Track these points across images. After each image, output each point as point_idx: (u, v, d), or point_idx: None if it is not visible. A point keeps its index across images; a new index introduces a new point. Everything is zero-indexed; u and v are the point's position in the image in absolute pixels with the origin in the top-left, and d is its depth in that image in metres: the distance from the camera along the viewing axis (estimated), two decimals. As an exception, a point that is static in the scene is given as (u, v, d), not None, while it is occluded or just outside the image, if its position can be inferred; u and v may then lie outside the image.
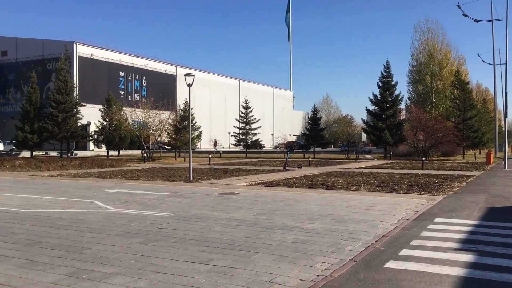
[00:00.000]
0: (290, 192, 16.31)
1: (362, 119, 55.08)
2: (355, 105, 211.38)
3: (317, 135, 51.36)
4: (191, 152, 22.53)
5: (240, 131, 56.67)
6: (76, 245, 8.09)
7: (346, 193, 15.85)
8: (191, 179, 20.98)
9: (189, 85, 20.83)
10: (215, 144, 59.34)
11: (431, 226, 9.80)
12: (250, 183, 19.53)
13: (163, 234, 9.06)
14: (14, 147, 49.82)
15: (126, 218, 10.78)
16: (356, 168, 29.84)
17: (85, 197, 14.56)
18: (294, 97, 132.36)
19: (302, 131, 70.32)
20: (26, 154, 46.75)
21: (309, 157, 42.06)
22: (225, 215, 11.33)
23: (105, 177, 22.67)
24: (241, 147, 59.04)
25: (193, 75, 20.89)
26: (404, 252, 7.59)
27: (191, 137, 24.26)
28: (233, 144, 61.84)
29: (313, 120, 52.67)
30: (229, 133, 71.25)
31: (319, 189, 17.16)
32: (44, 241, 8.38)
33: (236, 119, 59.10)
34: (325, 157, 47.52)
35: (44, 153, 50.95)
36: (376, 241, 8.38)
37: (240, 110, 59.80)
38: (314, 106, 55.27)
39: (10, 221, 10.39)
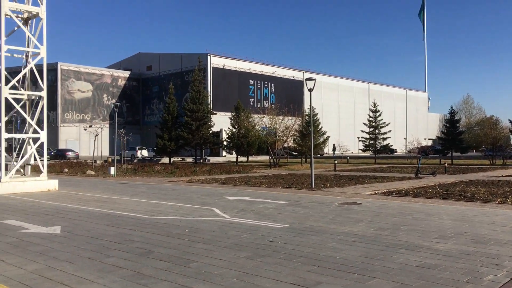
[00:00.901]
0: (420, 203, 14.69)
1: (510, 120, 48.99)
2: (500, 106, 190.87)
3: (455, 139, 46.98)
4: (312, 158, 21.85)
5: (369, 136, 54.45)
6: (184, 257, 7.93)
7: (489, 206, 13.75)
8: (313, 186, 20.28)
9: (310, 90, 20.22)
10: (334, 149, 57.68)
11: None
12: (376, 192, 18.17)
13: (273, 248, 8.51)
14: (154, 154, 54.21)
15: (239, 229, 10.49)
16: (502, 176, 26.33)
17: (205, 204, 14.75)
18: (429, 98, 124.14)
19: (438, 135, 65.12)
20: (165, 160, 50.52)
21: (445, 163, 38.50)
22: (342, 228, 10.42)
23: (229, 183, 23.09)
24: (370, 152, 56.70)
25: (314, 79, 20.24)
26: None
27: (312, 143, 23.58)
28: (361, 150, 59.61)
29: (451, 123, 48.34)
30: (357, 138, 69.16)
31: (456, 200, 15.21)
32: (155, 251, 8.39)
33: (364, 124, 56.96)
34: (465, 163, 43.15)
35: (181, 159, 54.58)
36: (526, 272, 6.80)
37: (368, 114, 57.45)
38: (452, 107, 50.74)
39: (132, 227, 10.77)
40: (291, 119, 45.18)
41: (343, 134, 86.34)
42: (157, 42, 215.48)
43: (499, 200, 14.99)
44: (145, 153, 58.29)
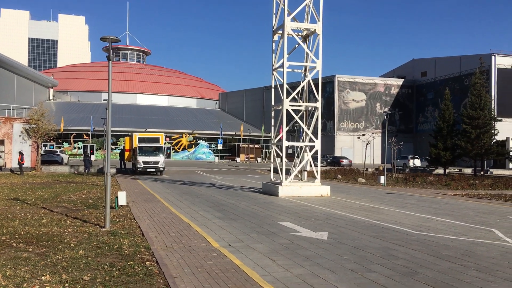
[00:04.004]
0: None
1: None
2: None
3: None
4: None
5: None
6: (454, 284, 6.94)
7: None
8: None
9: None
10: None
11: None
12: None
13: None
14: (427, 163, 51.49)
15: (528, 259, 8.63)
16: None
17: (484, 224, 12.87)
18: None
19: None
20: (439, 170, 47.40)
21: None
22: None
23: (517, 201, 19.75)
24: None
25: None
26: None
27: None
28: None
29: None
30: None
31: None
32: (421, 272, 7.63)
33: None
34: None
35: (457, 170, 50.31)
36: None
37: None
38: None
39: (397, 242, 10.19)
40: None
41: None
42: (433, 48, 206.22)
43: None
44: (417, 162, 56.07)
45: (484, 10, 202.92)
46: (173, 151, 74.93)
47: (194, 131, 76.92)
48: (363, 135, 57.33)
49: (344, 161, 57.80)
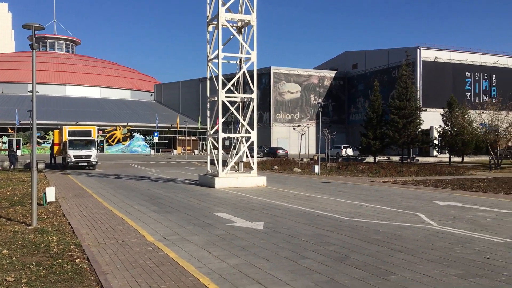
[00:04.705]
0: None
1: None
2: None
3: None
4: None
5: None
6: (382, 267, 7.27)
7: None
8: (547, 194, 16.92)
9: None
10: None
11: None
12: None
13: (491, 267, 7.17)
14: (359, 153, 53.55)
15: (449, 240, 9.23)
16: None
17: (410, 209, 13.60)
18: None
19: None
20: (370, 159, 49.45)
21: None
22: None
23: (439, 186, 21.04)
24: None
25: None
26: None
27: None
28: None
29: None
30: None
31: None
32: (352, 257, 7.93)
33: None
34: None
35: (386, 158, 52.73)
36: None
37: None
38: None
39: (330, 228, 10.52)
40: (518, 114, 39.03)
41: None
42: (363, 40, 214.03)
43: None
44: (349, 151, 58.14)
45: (410, 6, 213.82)
46: (106, 144, 72.50)
47: (129, 124, 74.82)
48: (298, 126, 58.51)
49: (280, 152, 58.69)
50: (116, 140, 73.64)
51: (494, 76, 72.29)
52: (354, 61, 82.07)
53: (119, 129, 73.49)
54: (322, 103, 39.70)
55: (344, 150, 58.24)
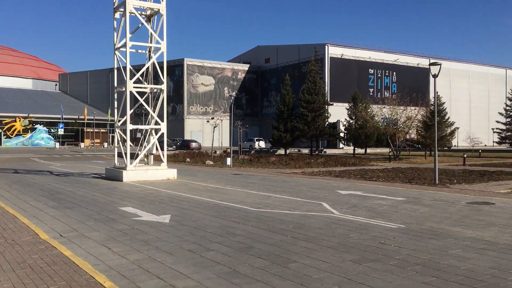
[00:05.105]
0: None
1: None
2: None
3: None
4: (436, 151, 19.85)
5: (506, 127, 48.87)
6: (284, 255, 7.40)
7: None
8: (437, 182, 18.43)
9: (435, 76, 18.35)
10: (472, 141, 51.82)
11: None
12: (513, 191, 15.86)
13: (384, 252, 7.58)
14: (271, 145, 54.75)
15: (348, 227, 9.66)
16: None
17: (315, 198, 14.08)
18: None
19: None
20: (281, 151, 50.74)
21: None
22: (469, 232, 9.03)
23: (343, 176, 22.09)
24: (507, 145, 50.86)
25: (439, 64, 18.31)
26: None
27: (437, 134, 21.49)
28: (496, 142, 53.73)
29: None
30: (492, 129, 62.50)
31: None
32: (256, 247, 7.98)
33: (500, 113, 51.21)
34: None
35: (297, 150, 54.43)
36: None
37: (505, 103, 51.48)
38: None
39: (236, 220, 10.55)
40: (414, 109, 42.18)
41: (474, 125, 78.95)
42: (276, 35, 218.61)
43: None
44: (262, 144, 59.23)
45: (320, 3, 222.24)
46: (4, 137, 67.09)
47: (30, 115, 69.80)
48: (212, 118, 58.31)
49: (194, 145, 58.24)
50: (15, 133, 68.40)
51: (394, 73, 77.42)
52: (266, 55, 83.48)
53: (19, 121, 68.35)
54: (235, 96, 39.94)
55: (257, 142, 59.13)
